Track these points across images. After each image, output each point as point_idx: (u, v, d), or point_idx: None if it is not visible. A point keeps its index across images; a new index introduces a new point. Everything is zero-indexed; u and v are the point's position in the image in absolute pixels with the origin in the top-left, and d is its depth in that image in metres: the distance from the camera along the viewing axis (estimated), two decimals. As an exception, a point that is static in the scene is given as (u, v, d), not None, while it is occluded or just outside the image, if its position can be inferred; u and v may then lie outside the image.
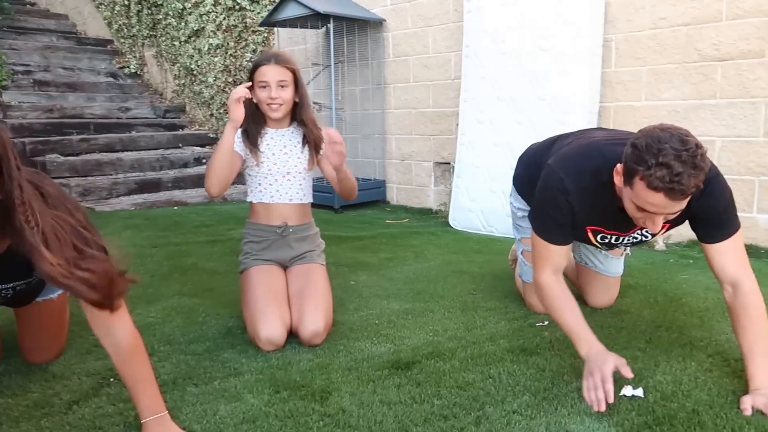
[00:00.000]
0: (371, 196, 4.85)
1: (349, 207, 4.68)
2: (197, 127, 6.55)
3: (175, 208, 4.75)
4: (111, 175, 5.19)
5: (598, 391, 1.43)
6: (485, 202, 3.78)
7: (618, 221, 1.66)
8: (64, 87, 6.32)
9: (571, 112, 3.44)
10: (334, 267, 2.67)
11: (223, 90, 6.13)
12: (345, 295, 2.39)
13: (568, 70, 3.48)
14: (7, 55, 6.25)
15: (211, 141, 6.22)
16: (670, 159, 1.32)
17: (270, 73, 1.97)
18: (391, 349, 1.85)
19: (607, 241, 1.79)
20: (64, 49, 7.04)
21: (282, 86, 2.00)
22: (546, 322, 2.05)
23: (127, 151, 5.65)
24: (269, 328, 1.81)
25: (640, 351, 1.78)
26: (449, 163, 4.40)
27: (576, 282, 2.28)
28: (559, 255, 1.72)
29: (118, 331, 1.34)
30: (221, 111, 6.21)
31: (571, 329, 1.62)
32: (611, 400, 1.41)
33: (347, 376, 1.65)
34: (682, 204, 1.41)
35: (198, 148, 6.12)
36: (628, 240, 1.79)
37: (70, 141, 5.30)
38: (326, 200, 4.49)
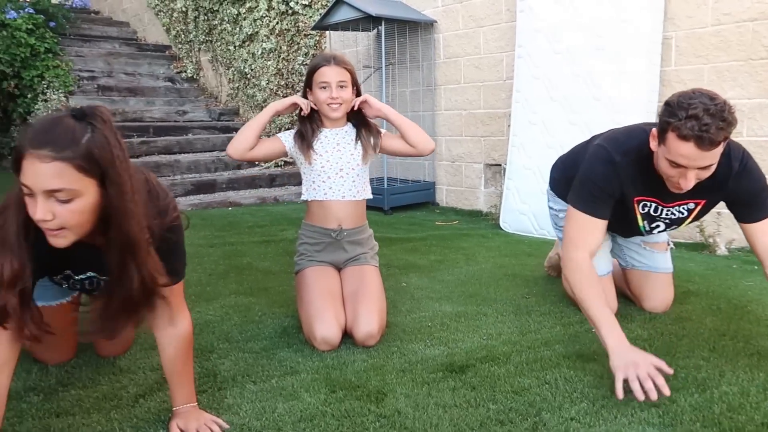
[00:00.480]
0: (420, 198, 4.85)
1: (398, 208, 4.70)
2: (250, 129, 6.69)
3: (230, 208, 4.88)
4: (169, 176, 5.38)
5: (646, 382, 1.41)
6: (537, 204, 3.72)
7: (658, 190, 1.76)
8: (126, 92, 6.58)
9: (627, 112, 3.35)
10: (385, 268, 2.69)
11: (275, 93, 6.26)
12: (397, 296, 2.40)
13: (625, 69, 3.39)
14: (74, 62, 6.55)
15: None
16: (699, 111, 1.45)
17: (330, 73, 2.02)
18: (444, 351, 1.85)
19: (647, 210, 1.85)
20: (125, 55, 7.34)
21: (342, 86, 2.04)
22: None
23: (184, 153, 5.85)
24: (325, 328, 1.84)
25: (703, 360, 1.73)
26: (500, 165, 4.36)
27: (627, 289, 2.24)
28: (595, 232, 1.76)
29: (181, 322, 1.40)
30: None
31: (599, 316, 1.59)
32: (666, 392, 1.39)
33: (402, 378, 1.66)
34: (712, 157, 1.50)
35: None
36: (667, 214, 1.86)
37: (131, 144, 5.52)
38: (376, 202, 4.52)
